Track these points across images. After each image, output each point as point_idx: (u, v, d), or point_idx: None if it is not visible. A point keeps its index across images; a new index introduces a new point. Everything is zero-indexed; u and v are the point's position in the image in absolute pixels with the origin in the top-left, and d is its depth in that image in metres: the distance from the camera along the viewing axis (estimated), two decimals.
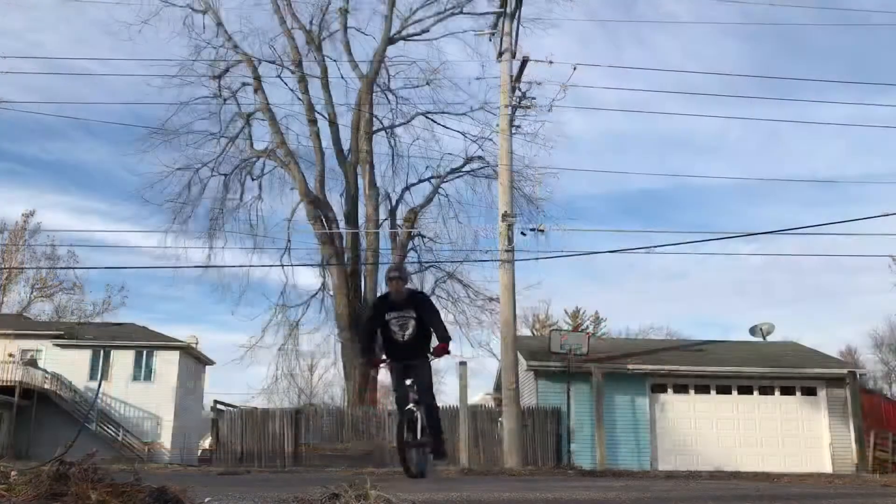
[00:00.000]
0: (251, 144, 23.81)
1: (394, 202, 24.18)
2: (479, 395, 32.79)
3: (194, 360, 36.04)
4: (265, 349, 23.82)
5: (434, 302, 6.78)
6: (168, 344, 33.32)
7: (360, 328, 6.73)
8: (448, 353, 6.20)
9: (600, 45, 65.48)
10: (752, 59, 67.09)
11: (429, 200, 23.61)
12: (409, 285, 6.79)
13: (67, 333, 32.83)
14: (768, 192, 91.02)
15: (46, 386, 30.92)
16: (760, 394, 16.94)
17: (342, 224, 23.09)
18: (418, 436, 6.08)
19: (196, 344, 35.50)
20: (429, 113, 23.77)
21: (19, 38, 60.20)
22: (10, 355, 30.94)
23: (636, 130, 74.75)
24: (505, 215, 14.46)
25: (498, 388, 19.73)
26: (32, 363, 31.47)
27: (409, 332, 6.31)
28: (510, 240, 14.33)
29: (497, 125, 16.56)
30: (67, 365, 31.83)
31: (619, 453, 15.85)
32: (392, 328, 6.36)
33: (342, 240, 22.64)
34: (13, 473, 1.76)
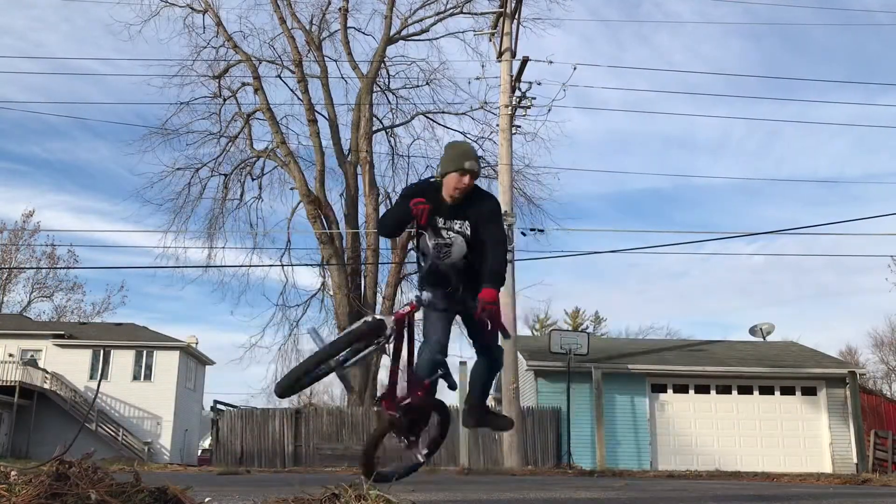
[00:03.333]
0: (251, 144, 23.82)
1: (394, 202, 24.18)
2: None
3: (194, 360, 36.06)
4: (265, 349, 23.85)
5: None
6: (168, 344, 33.32)
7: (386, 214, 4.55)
8: (495, 307, 3.63)
9: (603, 45, 65.51)
10: (755, 58, 67.12)
11: None
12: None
13: (67, 333, 32.87)
14: (770, 191, 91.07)
15: (46, 386, 30.93)
16: (760, 394, 16.94)
17: (342, 224, 23.09)
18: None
19: (196, 344, 35.51)
20: (429, 113, 23.80)
21: (21, 38, 60.23)
22: (11, 355, 30.96)
23: (638, 130, 74.75)
24: (505, 215, 14.47)
25: (498, 388, 19.72)
26: (32, 363, 31.48)
27: (451, 254, 3.94)
28: (510, 240, 14.35)
29: (497, 125, 16.58)
30: (67, 365, 31.84)
31: (618, 453, 15.85)
32: (427, 242, 3.98)
33: (342, 240, 22.64)
34: (13, 473, 1.76)
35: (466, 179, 3.88)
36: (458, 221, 3.94)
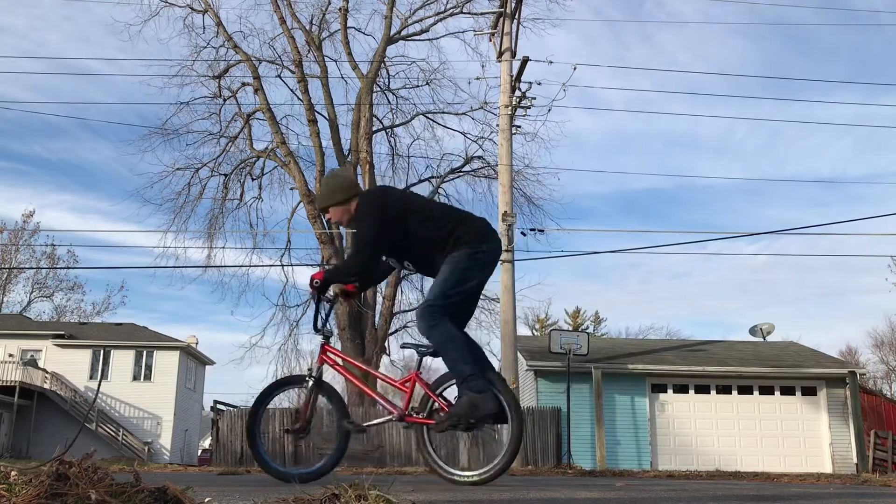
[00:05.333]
0: (251, 144, 23.83)
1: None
2: None
3: (194, 360, 36.07)
4: (265, 349, 23.87)
5: (361, 218, 3.95)
6: (168, 344, 33.34)
7: None
8: (313, 284, 3.92)
9: (605, 44, 65.53)
10: (757, 58, 67.16)
11: None
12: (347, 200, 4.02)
13: (67, 333, 32.86)
14: (772, 191, 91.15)
15: (46, 386, 30.95)
16: (760, 394, 16.94)
17: None
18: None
19: (196, 344, 35.54)
20: (429, 113, 23.81)
21: (23, 37, 60.27)
22: (11, 355, 30.97)
23: (640, 129, 74.78)
24: (505, 215, 14.47)
25: None
26: (32, 363, 31.50)
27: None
28: (510, 240, 14.35)
29: (497, 125, 16.58)
30: (67, 365, 31.86)
31: (618, 453, 15.86)
32: None
33: (342, 240, 22.64)
34: (13, 473, 1.76)
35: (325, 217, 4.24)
36: None
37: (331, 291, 4.12)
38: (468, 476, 3.77)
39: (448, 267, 3.83)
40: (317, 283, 3.89)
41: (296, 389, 4.15)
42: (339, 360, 4.16)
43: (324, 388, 4.03)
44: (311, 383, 4.00)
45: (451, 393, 3.92)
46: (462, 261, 3.83)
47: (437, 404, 3.88)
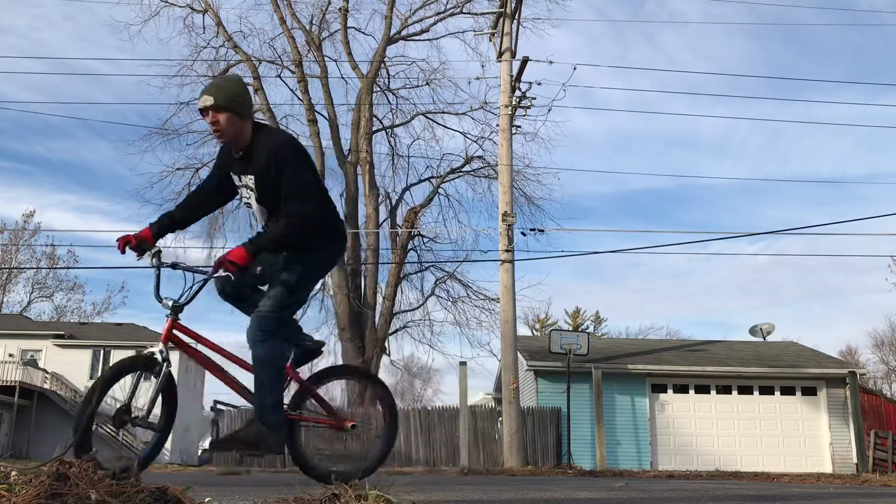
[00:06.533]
0: None
1: (394, 202, 24.20)
2: (479, 395, 32.83)
3: (194, 360, 36.10)
4: None
5: (302, 159, 3.45)
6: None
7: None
8: (233, 269, 3.20)
9: (607, 44, 65.47)
10: (758, 58, 67.15)
11: (429, 200, 23.63)
12: (237, 121, 3.33)
13: (67, 333, 32.86)
14: (773, 191, 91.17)
15: (46, 386, 30.95)
16: (760, 394, 16.94)
17: None
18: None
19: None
20: (429, 113, 23.80)
21: (23, 37, 60.28)
22: (11, 355, 30.97)
23: (641, 129, 74.79)
24: (505, 215, 14.47)
25: (498, 388, 19.73)
26: (32, 363, 31.50)
27: (257, 215, 3.57)
28: (510, 240, 14.35)
29: (497, 125, 16.58)
30: (67, 365, 31.86)
31: (618, 453, 15.85)
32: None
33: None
34: (13, 473, 1.76)
35: (207, 119, 3.30)
36: (247, 176, 3.41)
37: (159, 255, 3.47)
38: (339, 473, 3.61)
39: (288, 274, 3.46)
40: (253, 268, 3.26)
41: (134, 375, 3.50)
42: (190, 340, 3.55)
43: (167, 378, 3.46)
44: (164, 369, 3.40)
45: (334, 389, 3.79)
46: (307, 268, 3.54)
47: (312, 401, 3.70)
